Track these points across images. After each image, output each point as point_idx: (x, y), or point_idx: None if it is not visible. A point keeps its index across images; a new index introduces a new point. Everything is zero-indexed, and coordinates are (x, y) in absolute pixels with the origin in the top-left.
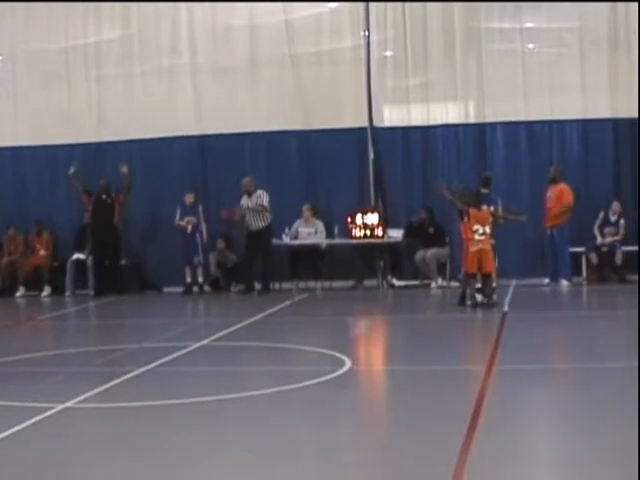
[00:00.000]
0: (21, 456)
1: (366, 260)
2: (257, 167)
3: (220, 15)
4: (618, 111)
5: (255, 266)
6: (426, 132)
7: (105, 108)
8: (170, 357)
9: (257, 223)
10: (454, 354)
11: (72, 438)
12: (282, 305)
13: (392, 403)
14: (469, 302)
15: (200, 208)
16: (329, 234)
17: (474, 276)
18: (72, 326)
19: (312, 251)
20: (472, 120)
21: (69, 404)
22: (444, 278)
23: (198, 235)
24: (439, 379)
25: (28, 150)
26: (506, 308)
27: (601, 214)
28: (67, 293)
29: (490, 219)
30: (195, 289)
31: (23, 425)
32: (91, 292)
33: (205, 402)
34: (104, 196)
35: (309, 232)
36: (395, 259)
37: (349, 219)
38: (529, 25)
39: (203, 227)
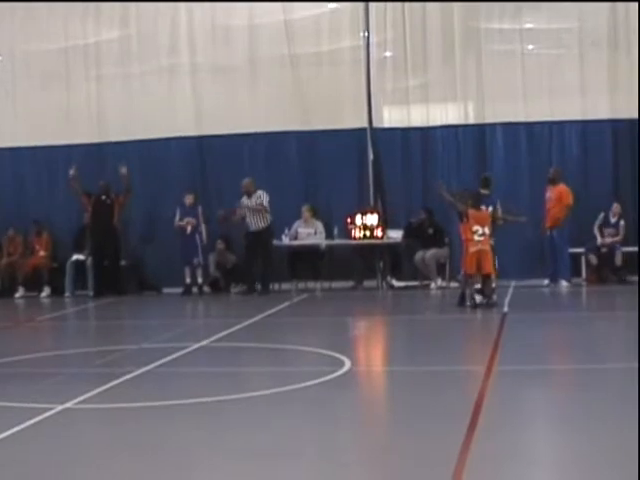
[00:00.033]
0: (20, 457)
1: (366, 261)
2: (256, 168)
3: (219, 15)
4: (617, 112)
5: (255, 267)
6: (426, 133)
7: (104, 108)
8: (169, 358)
9: (257, 224)
10: (454, 355)
11: (71, 439)
12: (282, 306)
13: (392, 404)
14: (469, 303)
15: (200, 209)
16: (329, 235)
17: (473, 277)
18: (71, 327)
19: (312, 252)
20: (472, 121)
21: (68, 405)
22: (443, 279)
23: (198, 236)
24: (439, 380)
25: (27, 150)
26: (506, 309)
27: (601, 215)
28: (66, 294)
29: (489, 220)
30: (194, 290)
31: (22, 426)
32: (90, 293)
33: (205, 403)
34: (103, 197)
35: (309, 233)
36: (395, 260)
37: (349, 220)
38: (529, 26)
39: (203, 228)
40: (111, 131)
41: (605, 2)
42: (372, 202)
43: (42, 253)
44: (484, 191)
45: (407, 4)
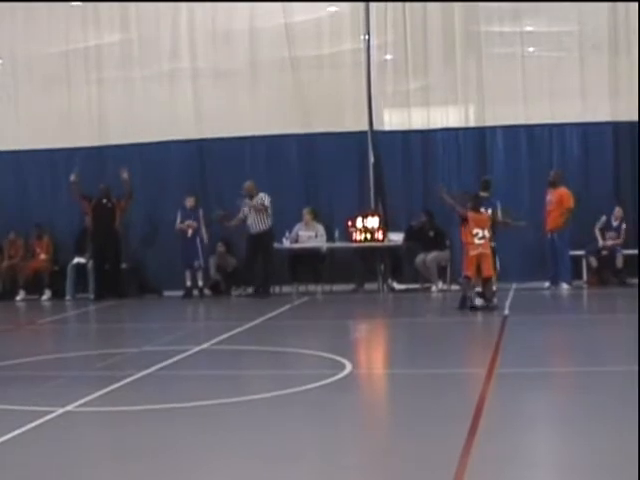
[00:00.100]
0: (21, 460)
1: (366, 264)
2: (257, 171)
3: (220, 18)
4: (618, 114)
5: (256, 269)
6: (426, 136)
7: (105, 112)
8: (170, 361)
9: (258, 226)
10: (454, 357)
11: (72, 442)
12: (282, 309)
13: (392, 406)
14: (476, 305)
15: (200, 212)
16: (329, 238)
17: (474, 280)
18: (72, 330)
19: (312, 255)
20: (472, 124)
21: (69, 408)
22: (445, 281)
23: (198, 239)
24: (440, 382)
25: (29, 154)
26: (506, 311)
27: (603, 218)
28: (67, 297)
29: (489, 223)
30: (195, 293)
31: (23, 429)
32: (91, 296)
33: (205, 406)
34: (104, 200)
35: (309, 236)
36: (395, 263)
37: (349, 223)
38: (529, 29)
39: (203, 230)
40: (112, 134)
41: (605, 2)
42: (373, 205)
43: (43, 256)
44: (484, 193)
45: (408, 6)
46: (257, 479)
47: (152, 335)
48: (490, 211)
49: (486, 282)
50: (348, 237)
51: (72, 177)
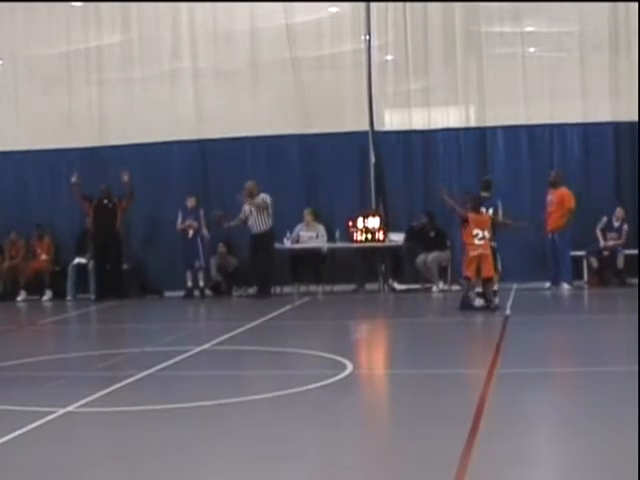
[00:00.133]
0: (23, 460)
1: (367, 264)
2: (258, 171)
3: (221, 19)
4: (618, 114)
5: (257, 269)
6: (427, 136)
7: (106, 112)
8: (171, 361)
9: (259, 226)
10: (455, 358)
11: (73, 442)
12: (283, 309)
13: (393, 407)
14: (476, 305)
15: (202, 212)
16: (330, 238)
17: (474, 280)
18: (73, 330)
19: (313, 255)
20: (473, 124)
21: (70, 408)
22: (445, 282)
23: (199, 239)
24: (440, 383)
25: (29, 154)
26: (507, 312)
27: (604, 218)
28: (68, 297)
29: (489, 223)
30: (196, 293)
31: (24, 429)
32: (92, 296)
33: (206, 406)
34: (105, 201)
35: (310, 236)
36: (396, 263)
37: (350, 223)
38: (529, 29)
39: (205, 231)
40: (113, 135)
41: (606, 2)
42: (374, 205)
43: (44, 257)
44: (485, 194)
45: (408, 7)
46: (258, 479)
47: (153, 335)
48: (492, 211)
49: (486, 283)
50: (349, 237)
51: (73, 179)
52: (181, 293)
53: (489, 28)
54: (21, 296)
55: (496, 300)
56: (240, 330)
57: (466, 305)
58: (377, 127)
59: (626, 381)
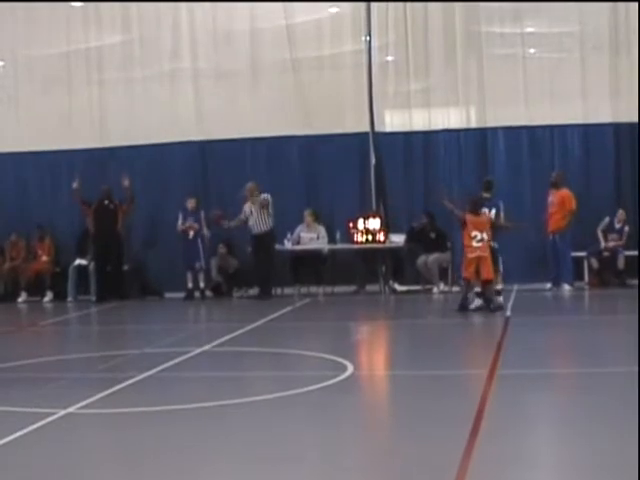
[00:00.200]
0: (23, 461)
1: (368, 265)
2: (258, 172)
3: (221, 19)
4: (619, 115)
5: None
6: (428, 137)
7: (106, 113)
8: (172, 362)
9: (259, 227)
10: (456, 359)
11: (74, 443)
12: (284, 310)
13: (394, 408)
14: (472, 306)
15: (202, 213)
16: (331, 239)
17: (473, 282)
18: (74, 332)
19: (314, 256)
20: (473, 125)
21: (71, 409)
22: (446, 283)
23: (200, 240)
24: (441, 384)
25: (30, 155)
26: (508, 312)
27: (606, 220)
28: (69, 299)
29: (488, 225)
30: (197, 294)
31: (25, 430)
32: (93, 298)
33: (207, 407)
34: (106, 202)
35: (311, 237)
36: (397, 264)
37: (351, 224)
38: (530, 30)
39: (205, 230)
40: (113, 136)
41: (606, 2)
42: (374, 206)
43: (45, 258)
44: (486, 194)
45: (409, 7)
46: None
47: (154, 337)
48: (494, 212)
49: (486, 285)
50: (349, 239)
51: (74, 185)
52: (182, 294)
53: (489, 28)
54: (22, 297)
55: (499, 299)
56: (241, 331)
57: (464, 307)
58: (377, 128)
59: (626, 382)
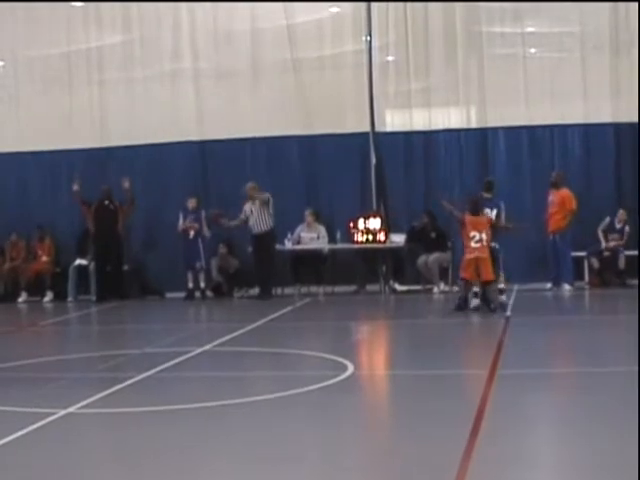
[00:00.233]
0: (23, 461)
1: (368, 265)
2: (259, 172)
3: (222, 20)
4: (619, 115)
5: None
6: (428, 137)
7: (107, 113)
8: (172, 362)
9: (260, 227)
10: (456, 359)
11: (74, 444)
12: (284, 310)
13: (394, 408)
14: (472, 306)
15: (202, 213)
16: (331, 239)
17: (471, 282)
18: (74, 331)
19: (314, 256)
20: (474, 125)
21: (71, 409)
22: (446, 283)
23: (200, 240)
24: (441, 384)
25: (30, 155)
26: (508, 312)
27: (607, 219)
28: (69, 299)
29: (487, 225)
30: (197, 294)
31: (25, 430)
32: (93, 298)
33: (208, 407)
34: (106, 202)
35: (311, 237)
36: (397, 264)
37: (351, 224)
38: (530, 30)
39: (205, 229)
40: (114, 136)
41: (606, 2)
42: (375, 206)
43: (45, 258)
44: (487, 195)
45: (409, 7)
46: None
47: (154, 337)
48: (495, 212)
49: (486, 286)
50: (350, 238)
51: (75, 187)
52: (182, 294)
53: (490, 28)
54: (22, 297)
55: (503, 298)
56: (241, 331)
57: (461, 307)
58: (378, 128)
59: (626, 382)
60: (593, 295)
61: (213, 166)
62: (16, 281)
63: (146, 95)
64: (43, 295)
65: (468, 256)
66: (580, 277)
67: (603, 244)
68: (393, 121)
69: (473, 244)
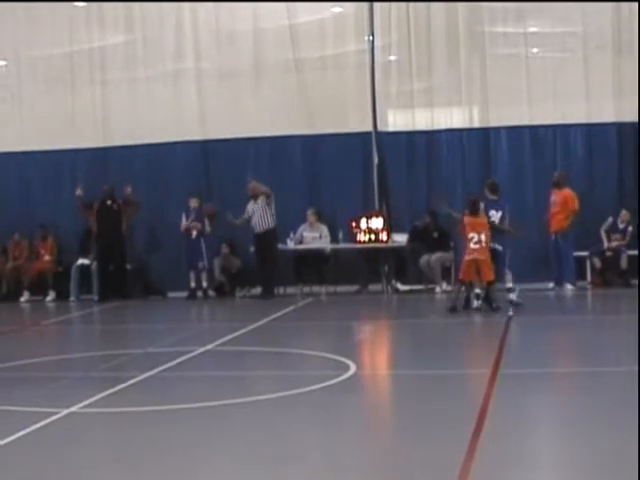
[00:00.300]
0: (26, 460)
1: (370, 265)
2: (261, 172)
3: (224, 19)
4: (622, 115)
5: (261, 269)
6: (430, 137)
7: (109, 113)
8: (175, 362)
9: (261, 225)
10: (459, 358)
11: (76, 443)
12: (287, 310)
13: (396, 408)
14: (473, 306)
15: (204, 211)
16: (333, 239)
17: (470, 283)
18: (76, 331)
19: (317, 256)
20: (476, 125)
21: (74, 409)
22: (449, 283)
23: (202, 240)
24: (444, 384)
25: (33, 155)
26: (510, 312)
27: (609, 219)
28: (71, 298)
29: (486, 226)
30: (199, 294)
31: (28, 430)
32: (95, 297)
33: (210, 407)
34: (109, 202)
35: (314, 237)
36: (399, 263)
37: (353, 224)
38: (533, 30)
39: (207, 225)
40: (116, 136)
41: (609, 2)
42: (377, 206)
43: (47, 257)
44: (492, 196)
45: (412, 7)
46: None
47: (156, 336)
48: (500, 214)
49: (489, 286)
50: (352, 238)
51: (78, 192)
52: (184, 294)
53: (492, 28)
54: (24, 297)
55: (512, 296)
56: (243, 331)
57: (455, 308)
58: (380, 127)
59: (626, 381)
60: (595, 295)
61: (215, 166)
62: (19, 280)
63: (149, 95)
64: (45, 294)
65: (467, 257)
66: (582, 277)
67: (605, 244)
68: (395, 121)
69: (472, 245)
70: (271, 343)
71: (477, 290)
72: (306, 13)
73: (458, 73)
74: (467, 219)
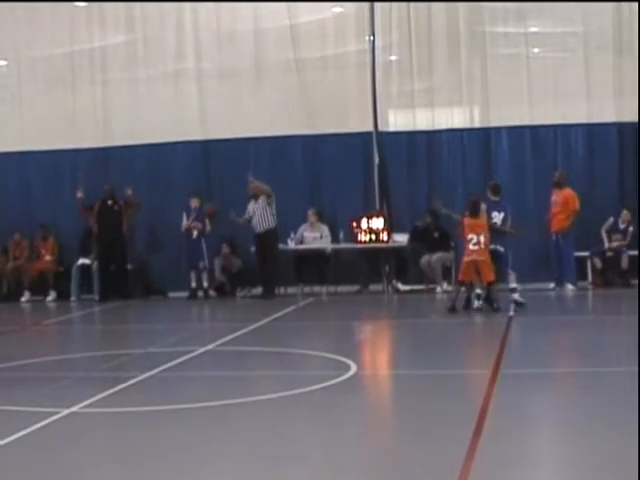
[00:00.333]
0: (26, 460)
1: (371, 265)
2: (262, 172)
3: (225, 19)
4: (623, 115)
5: (261, 269)
6: (431, 137)
7: (110, 113)
8: (175, 362)
9: (262, 225)
10: (459, 359)
11: (77, 443)
12: (287, 310)
13: (397, 408)
14: (474, 306)
15: (204, 211)
16: (334, 239)
17: (470, 284)
18: (77, 331)
19: (317, 256)
20: (477, 125)
21: (74, 409)
22: (449, 283)
23: (203, 240)
24: (444, 384)
25: (33, 155)
26: (511, 312)
27: (610, 220)
28: (72, 298)
29: (485, 227)
30: (200, 294)
31: (28, 430)
32: (96, 297)
33: (211, 407)
34: (109, 202)
35: (314, 237)
36: (400, 263)
37: (354, 224)
38: (533, 30)
39: (207, 224)
40: (117, 136)
41: (610, 3)
42: (378, 206)
43: (48, 257)
44: (495, 198)
45: (412, 7)
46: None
47: (157, 336)
48: (502, 216)
49: (489, 287)
50: (353, 238)
51: (78, 194)
52: (185, 294)
53: (493, 28)
54: (25, 297)
55: (516, 296)
56: (244, 331)
57: (454, 309)
58: (381, 127)
59: (626, 382)
60: (596, 295)
61: (216, 166)
62: (19, 280)
63: (149, 95)
64: (46, 294)
65: (466, 259)
66: (583, 277)
67: (606, 244)
68: (396, 121)
69: (471, 246)
70: (272, 343)
71: (478, 290)
72: (307, 13)
73: (459, 73)
74: (467, 220)
